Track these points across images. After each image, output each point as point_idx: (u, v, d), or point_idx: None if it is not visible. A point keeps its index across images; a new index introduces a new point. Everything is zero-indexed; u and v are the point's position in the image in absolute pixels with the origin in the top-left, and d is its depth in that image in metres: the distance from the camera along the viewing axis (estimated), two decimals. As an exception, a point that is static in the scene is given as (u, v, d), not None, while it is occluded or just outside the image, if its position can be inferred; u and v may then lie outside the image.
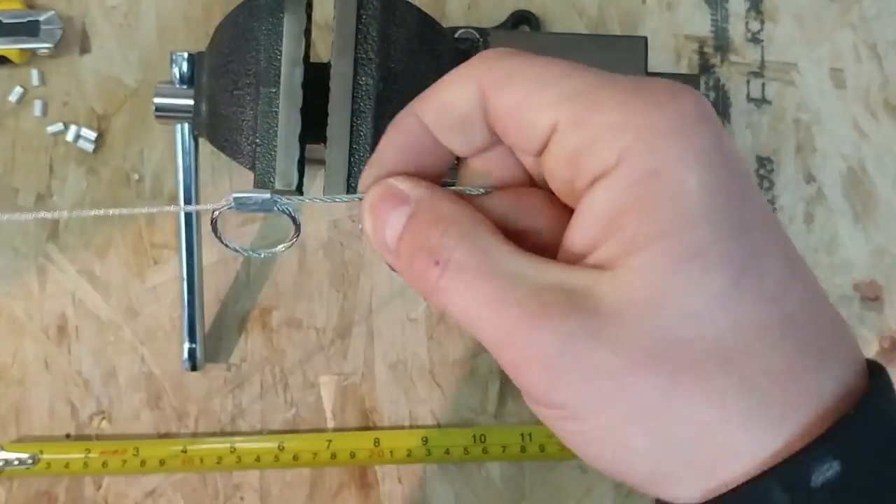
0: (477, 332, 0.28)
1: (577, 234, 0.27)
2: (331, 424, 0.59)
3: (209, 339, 0.59)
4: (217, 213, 0.33)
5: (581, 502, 0.58)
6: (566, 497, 0.58)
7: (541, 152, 0.29)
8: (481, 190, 0.31)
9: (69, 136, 0.61)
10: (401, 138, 0.31)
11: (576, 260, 0.28)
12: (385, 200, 0.30)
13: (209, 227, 0.34)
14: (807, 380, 0.27)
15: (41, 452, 0.58)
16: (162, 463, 0.58)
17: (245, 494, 0.58)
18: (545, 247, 0.29)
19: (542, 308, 0.26)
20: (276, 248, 0.35)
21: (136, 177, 0.61)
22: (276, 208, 0.33)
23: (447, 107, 0.30)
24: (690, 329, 0.26)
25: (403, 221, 0.29)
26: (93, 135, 0.61)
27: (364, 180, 0.31)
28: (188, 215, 0.55)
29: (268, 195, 0.33)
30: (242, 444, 0.58)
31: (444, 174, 0.32)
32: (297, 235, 0.35)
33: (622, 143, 0.26)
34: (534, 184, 0.32)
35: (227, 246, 0.35)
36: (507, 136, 0.30)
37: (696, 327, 0.26)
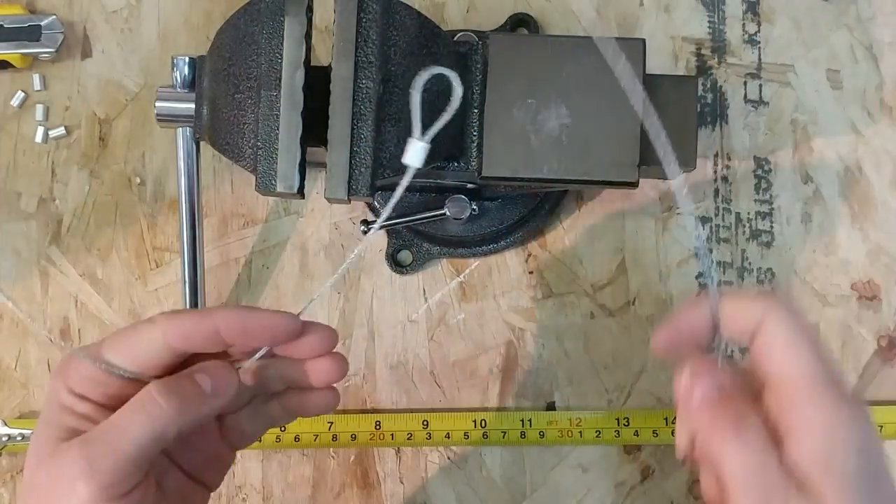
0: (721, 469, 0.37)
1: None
2: (332, 425, 0.59)
3: (211, 342, 0.60)
4: None
5: (582, 502, 0.59)
6: (567, 497, 0.59)
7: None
8: None
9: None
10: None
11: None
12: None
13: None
14: None
15: None
16: None
17: (247, 495, 0.59)
18: None
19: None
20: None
21: (137, 180, 0.61)
22: None
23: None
24: None
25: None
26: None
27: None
28: (191, 218, 0.55)
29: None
30: None
31: None
32: None
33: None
34: None
35: None
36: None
37: None
